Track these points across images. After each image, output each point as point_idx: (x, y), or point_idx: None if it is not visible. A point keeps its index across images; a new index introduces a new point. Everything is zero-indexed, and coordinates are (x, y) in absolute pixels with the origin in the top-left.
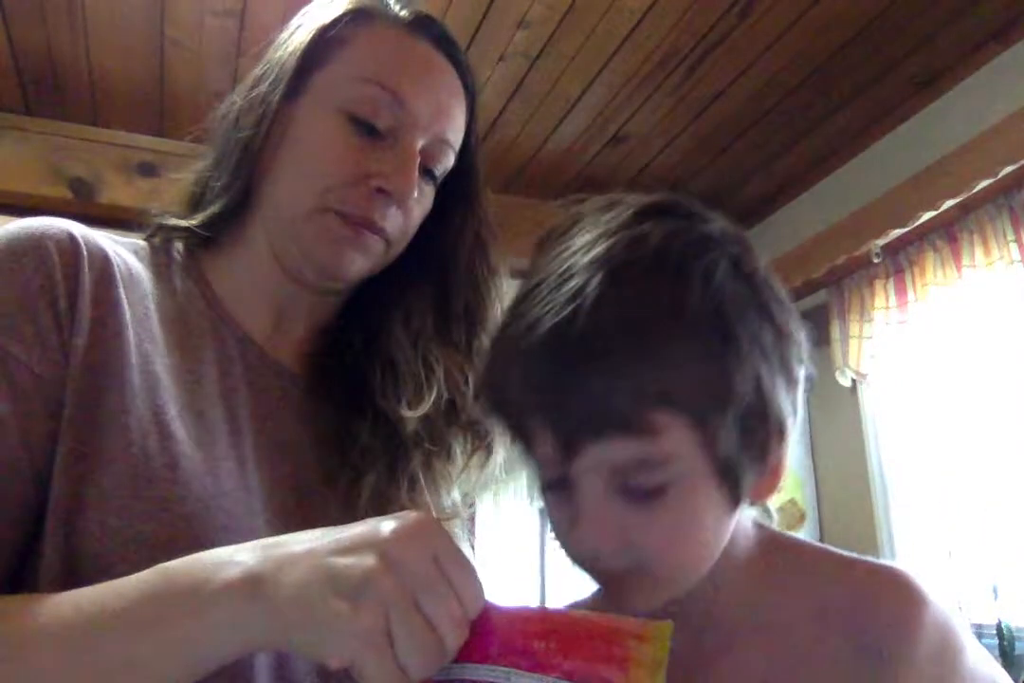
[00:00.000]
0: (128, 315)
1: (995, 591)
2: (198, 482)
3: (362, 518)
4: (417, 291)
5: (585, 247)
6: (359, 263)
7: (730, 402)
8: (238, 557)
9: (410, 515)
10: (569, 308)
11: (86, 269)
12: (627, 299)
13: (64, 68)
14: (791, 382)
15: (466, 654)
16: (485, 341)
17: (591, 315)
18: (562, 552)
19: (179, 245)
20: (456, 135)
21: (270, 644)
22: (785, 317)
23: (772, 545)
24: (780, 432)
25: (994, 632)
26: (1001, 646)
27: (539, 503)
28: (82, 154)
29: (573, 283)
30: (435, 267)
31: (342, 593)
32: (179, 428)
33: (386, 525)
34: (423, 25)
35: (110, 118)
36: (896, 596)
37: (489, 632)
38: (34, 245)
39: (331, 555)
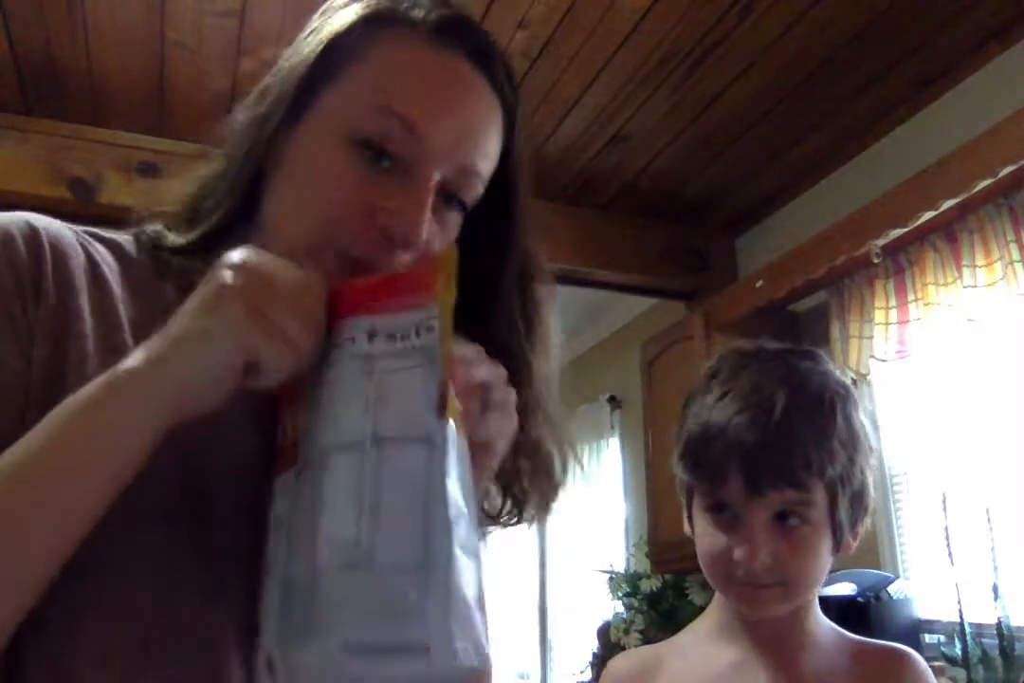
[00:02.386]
0: (85, 328)
1: (995, 591)
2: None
3: None
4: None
5: (766, 371)
6: None
7: (849, 484)
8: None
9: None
10: (764, 407)
11: (49, 269)
12: (802, 411)
13: (64, 68)
14: (871, 487)
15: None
16: (530, 398)
17: (781, 414)
18: (709, 565)
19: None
20: (485, 161)
21: (179, 390)
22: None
23: (833, 628)
24: (866, 515)
25: (994, 632)
26: (1001, 646)
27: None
28: (82, 154)
29: (766, 392)
30: (469, 309)
31: (205, 311)
32: None
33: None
34: (450, 32)
35: (110, 118)
36: (900, 659)
37: (338, 305)
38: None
39: (190, 311)
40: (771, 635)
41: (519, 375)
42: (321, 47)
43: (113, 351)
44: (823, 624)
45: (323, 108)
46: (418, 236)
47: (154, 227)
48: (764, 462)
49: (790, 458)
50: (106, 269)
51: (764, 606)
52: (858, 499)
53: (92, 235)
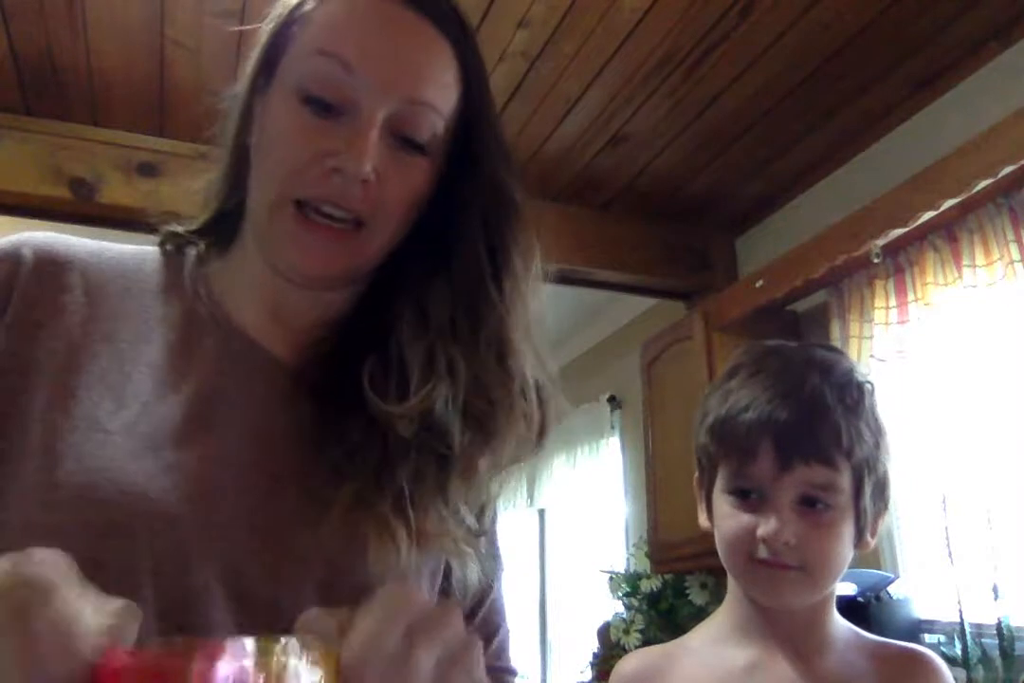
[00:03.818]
0: (74, 319)
1: (995, 591)
2: (120, 471)
3: (336, 522)
4: (431, 278)
5: (793, 358)
6: (330, 263)
7: (874, 472)
8: None
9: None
10: (795, 384)
11: (23, 280)
12: (833, 389)
13: (64, 68)
14: (892, 481)
15: None
16: (511, 343)
17: (813, 391)
18: (729, 547)
19: (193, 248)
20: (439, 94)
21: None
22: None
23: (850, 628)
24: (886, 509)
25: (994, 632)
26: (1001, 646)
27: (539, 505)
28: (82, 154)
29: (796, 372)
30: (445, 251)
31: None
32: (114, 419)
33: None
34: None
35: (110, 118)
36: (920, 661)
37: None
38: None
39: None
40: (788, 635)
41: (484, 314)
42: (277, 21)
43: (103, 339)
44: (840, 624)
45: (281, 73)
46: (363, 162)
47: (170, 230)
48: (797, 436)
49: (822, 434)
50: (113, 289)
51: (783, 592)
52: (880, 490)
53: (109, 253)
